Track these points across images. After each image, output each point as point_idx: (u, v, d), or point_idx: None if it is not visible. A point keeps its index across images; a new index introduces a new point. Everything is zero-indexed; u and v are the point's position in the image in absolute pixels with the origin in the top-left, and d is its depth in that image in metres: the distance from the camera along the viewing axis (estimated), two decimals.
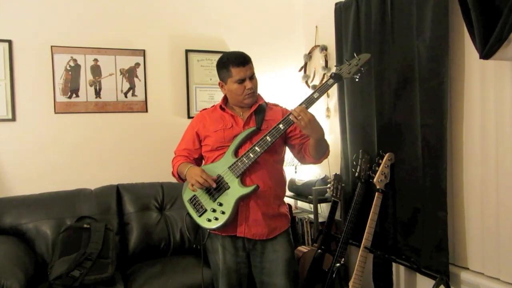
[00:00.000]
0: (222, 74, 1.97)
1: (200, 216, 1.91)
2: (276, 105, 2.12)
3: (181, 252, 2.71)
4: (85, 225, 2.38)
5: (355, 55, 1.93)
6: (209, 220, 1.87)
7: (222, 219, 1.85)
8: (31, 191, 2.65)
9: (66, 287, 2.10)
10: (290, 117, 1.82)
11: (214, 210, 1.88)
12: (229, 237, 1.95)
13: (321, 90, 1.87)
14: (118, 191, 2.77)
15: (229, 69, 1.92)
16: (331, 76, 1.91)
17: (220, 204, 1.87)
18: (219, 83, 2.03)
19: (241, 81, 1.92)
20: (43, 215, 2.51)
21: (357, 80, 2.00)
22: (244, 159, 1.85)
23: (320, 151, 1.96)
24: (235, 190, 1.85)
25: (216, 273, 2.00)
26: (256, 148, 1.84)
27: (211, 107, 2.11)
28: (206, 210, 1.89)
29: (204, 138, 2.03)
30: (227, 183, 1.87)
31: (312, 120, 1.80)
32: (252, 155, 1.84)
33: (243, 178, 1.88)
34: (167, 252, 2.70)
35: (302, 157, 2.05)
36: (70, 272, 2.12)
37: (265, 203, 1.93)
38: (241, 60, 1.92)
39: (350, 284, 2.26)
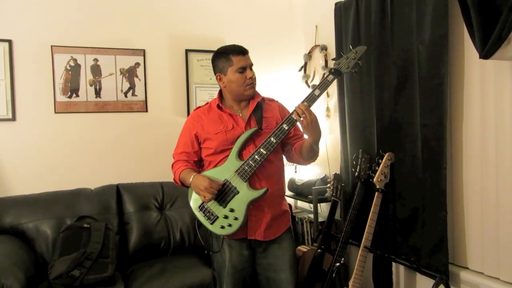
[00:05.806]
0: (221, 64, 1.92)
1: (212, 223, 1.87)
2: (272, 100, 2.10)
3: (181, 252, 2.71)
4: (85, 225, 2.39)
5: (351, 47, 1.88)
6: (223, 227, 1.85)
7: (236, 225, 1.83)
8: (31, 191, 2.65)
9: (66, 287, 2.10)
10: (293, 116, 1.80)
11: (226, 217, 1.84)
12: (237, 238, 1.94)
13: (322, 86, 1.84)
14: (118, 190, 2.77)
15: (230, 58, 1.89)
16: (330, 72, 1.86)
17: (232, 210, 1.84)
18: (216, 76, 1.97)
19: (243, 70, 1.89)
20: (43, 215, 2.52)
21: (355, 74, 1.95)
22: (251, 162, 1.81)
23: (312, 154, 1.94)
24: (245, 195, 1.82)
25: (221, 272, 1.98)
26: (262, 150, 1.81)
27: (205, 105, 2.05)
28: (218, 217, 1.86)
29: (204, 140, 1.97)
30: (235, 188, 1.83)
31: (315, 121, 1.79)
32: (258, 158, 1.81)
33: (251, 181, 1.85)
34: (167, 251, 2.71)
35: (289, 156, 2.04)
36: (70, 272, 2.12)
37: (273, 203, 1.93)
38: (241, 49, 1.91)
39: (350, 283, 2.26)
